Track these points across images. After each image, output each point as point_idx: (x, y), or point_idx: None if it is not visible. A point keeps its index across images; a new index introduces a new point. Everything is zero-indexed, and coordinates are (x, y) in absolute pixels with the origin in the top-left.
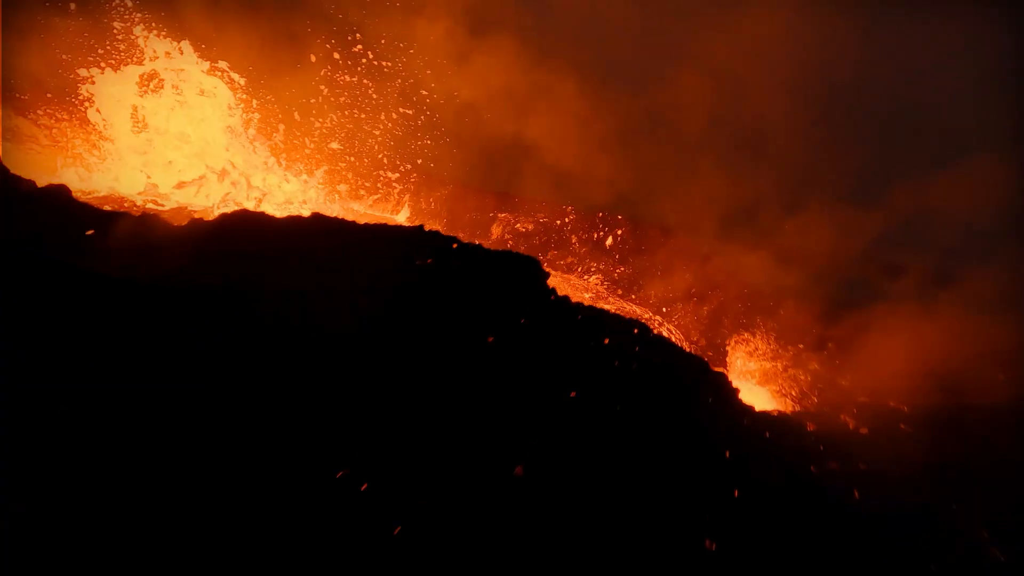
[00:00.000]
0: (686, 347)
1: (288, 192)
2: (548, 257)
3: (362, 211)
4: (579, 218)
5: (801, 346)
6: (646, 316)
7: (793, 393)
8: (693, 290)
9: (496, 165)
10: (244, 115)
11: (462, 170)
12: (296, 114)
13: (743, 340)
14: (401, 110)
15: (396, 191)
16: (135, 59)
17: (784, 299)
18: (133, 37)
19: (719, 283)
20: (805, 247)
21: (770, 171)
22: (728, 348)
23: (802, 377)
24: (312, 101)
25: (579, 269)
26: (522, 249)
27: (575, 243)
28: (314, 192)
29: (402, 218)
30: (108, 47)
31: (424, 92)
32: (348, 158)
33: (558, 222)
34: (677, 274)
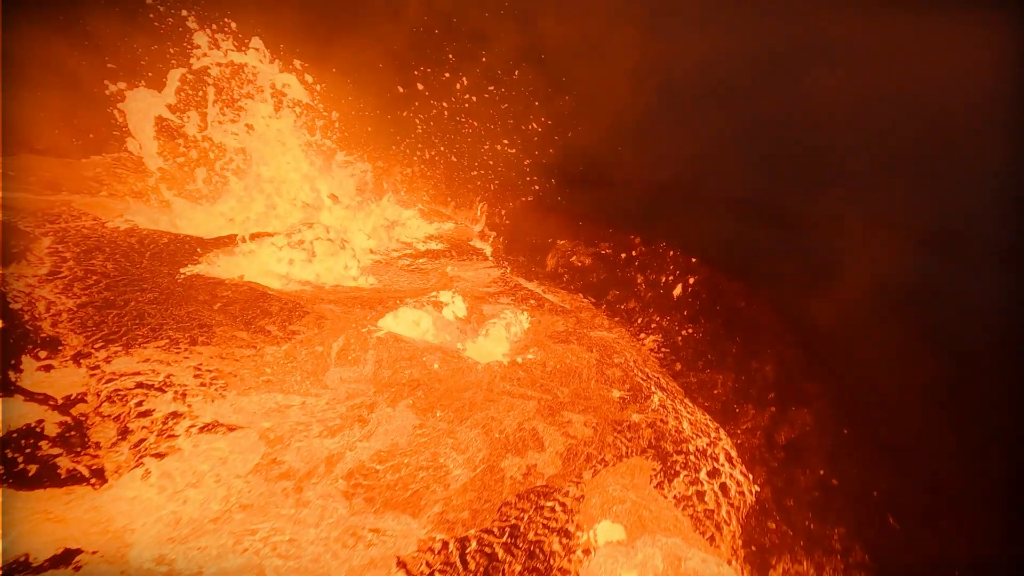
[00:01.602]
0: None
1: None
2: (608, 298)
3: (447, 212)
4: (647, 253)
5: None
6: (701, 425)
7: None
8: (772, 395)
9: (572, 181)
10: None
11: (539, 179)
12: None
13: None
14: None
15: (477, 198)
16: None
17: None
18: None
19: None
20: None
21: None
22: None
23: None
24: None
25: (639, 320)
26: (576, 287)
27: (640, 284)
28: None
29: (478, 228)
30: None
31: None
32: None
33: (623, 255)
34: (761, 353)
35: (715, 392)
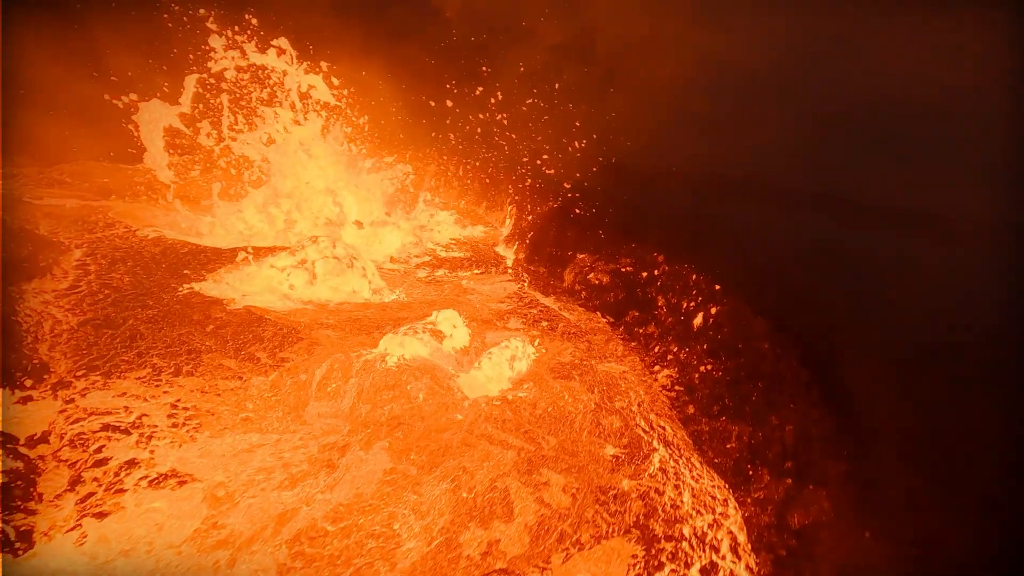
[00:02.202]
0: None
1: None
2: (627, 319)
3: (480, 213)
4: (670, 273)
5: None
6: (706, 497)
7: None
8: (789, 465)
9: (603, 189)
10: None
11: (569, 185)
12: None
13: None
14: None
15: (508, 200)
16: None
17: None
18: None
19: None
20: None
21: None
22: None
23: None
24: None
25: (656, 349)
26: (593, 306)
27: (661, 308)
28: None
29: (506, 232)
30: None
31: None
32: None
33: (644, 274)
34: (783, 407)
35: (728, 446)
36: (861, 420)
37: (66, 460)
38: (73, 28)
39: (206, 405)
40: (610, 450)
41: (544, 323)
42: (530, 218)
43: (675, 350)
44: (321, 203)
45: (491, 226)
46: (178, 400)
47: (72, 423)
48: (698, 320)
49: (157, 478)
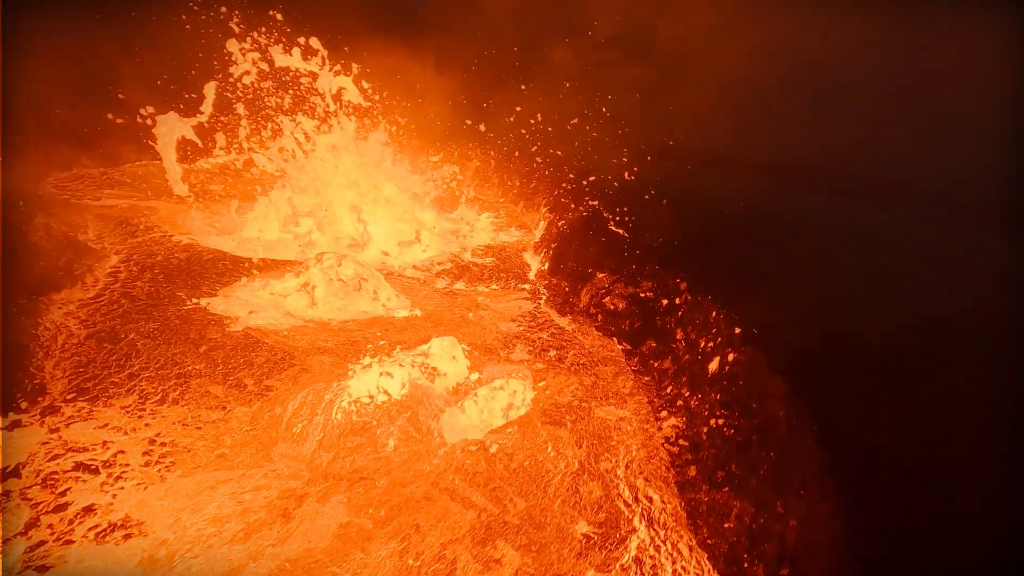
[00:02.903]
0: None
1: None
2: (643, 349)
3: (518, 213)
4: (691, 304)
5: None
6: None
7: None
8: (786, 572)
9: (636, 199)
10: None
11: (596, 195)
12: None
13: None
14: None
15: (543, 201)
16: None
17: None
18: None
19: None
20: None
21: None
22: None
23: None
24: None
25: (668, 389)
26: (610, 331)
27: (680, 342)
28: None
29: (537, 235)
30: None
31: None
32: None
33: (664, 301)
34: (789, 493)
35: (726, 526)
36: (874, 529)
37: (31, 500)
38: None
39: (185, 440)
40: (582, 527)
41: (552, 352)
42: (561, 224)
43: (687, 395)
44: (344, 218)
45: (526, 228)
46: (158, 434)
47: (50, 459)
48: (714, 365)
49: (107, 528)
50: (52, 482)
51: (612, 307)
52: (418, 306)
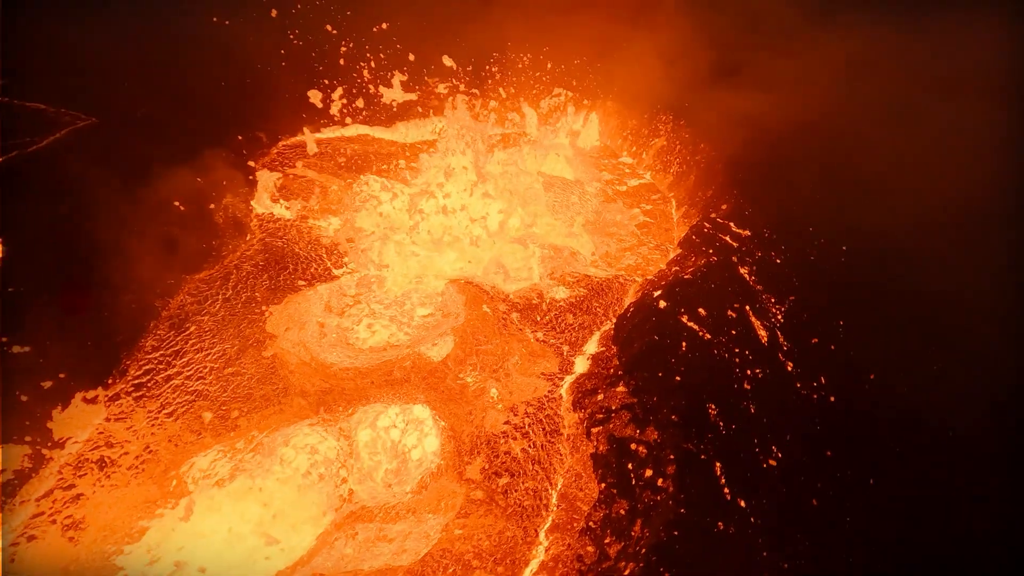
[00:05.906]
0: None
1: None
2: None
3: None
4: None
5: None
6: None
7: None
8: None
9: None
10: None
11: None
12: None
13: None
14: None
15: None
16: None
17: None
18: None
19: None
20: None
21: None
22: None
23: None
24: None
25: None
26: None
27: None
28: None
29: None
30: None
31: None
32: None
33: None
34: None
35: None
36: None
37: (58, 474)
38: None
39: (168, 457)
40: None
41: (504, 478)
42: (688, 276)
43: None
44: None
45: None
46: (147, 446)
47: (92, 448)
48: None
49: (71, 524)
50: (80, 465)
51: (597, 449)
52: (452, 340)
